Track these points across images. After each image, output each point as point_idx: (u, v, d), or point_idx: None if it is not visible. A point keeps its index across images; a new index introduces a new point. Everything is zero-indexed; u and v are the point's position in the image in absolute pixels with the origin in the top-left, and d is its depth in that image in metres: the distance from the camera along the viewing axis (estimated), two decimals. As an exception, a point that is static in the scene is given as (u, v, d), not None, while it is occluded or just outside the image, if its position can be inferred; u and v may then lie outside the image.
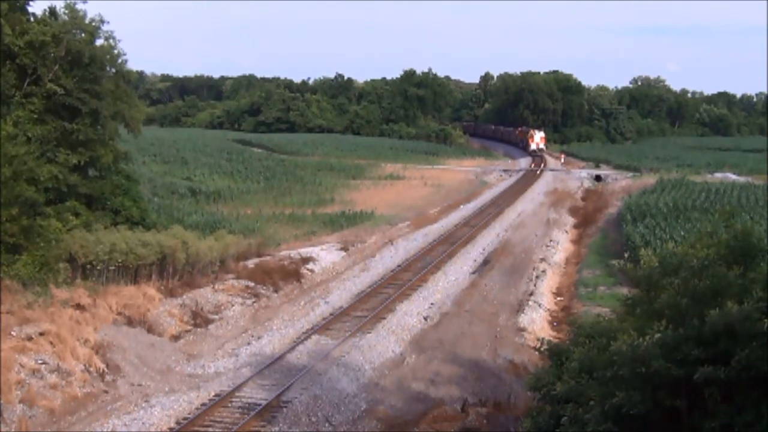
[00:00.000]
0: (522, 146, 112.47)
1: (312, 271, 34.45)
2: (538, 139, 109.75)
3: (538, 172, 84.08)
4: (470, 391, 20.93)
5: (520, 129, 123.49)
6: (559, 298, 32.55)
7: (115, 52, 31.17)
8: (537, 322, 27.99)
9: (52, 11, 29.96)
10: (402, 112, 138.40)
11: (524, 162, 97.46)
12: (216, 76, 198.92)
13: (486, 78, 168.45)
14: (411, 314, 27.93)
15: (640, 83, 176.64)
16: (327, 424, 18.78)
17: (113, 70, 31.43)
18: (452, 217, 50.98)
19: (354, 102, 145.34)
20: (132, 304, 25.49)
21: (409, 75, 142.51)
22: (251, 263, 33.16)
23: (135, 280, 27.90)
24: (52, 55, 28.79)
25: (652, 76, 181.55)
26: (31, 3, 30.33)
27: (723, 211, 13.34)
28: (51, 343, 20.62)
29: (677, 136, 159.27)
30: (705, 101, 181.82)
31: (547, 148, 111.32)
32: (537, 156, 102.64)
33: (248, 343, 24.43)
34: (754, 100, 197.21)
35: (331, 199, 59.77)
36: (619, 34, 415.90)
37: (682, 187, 61.86)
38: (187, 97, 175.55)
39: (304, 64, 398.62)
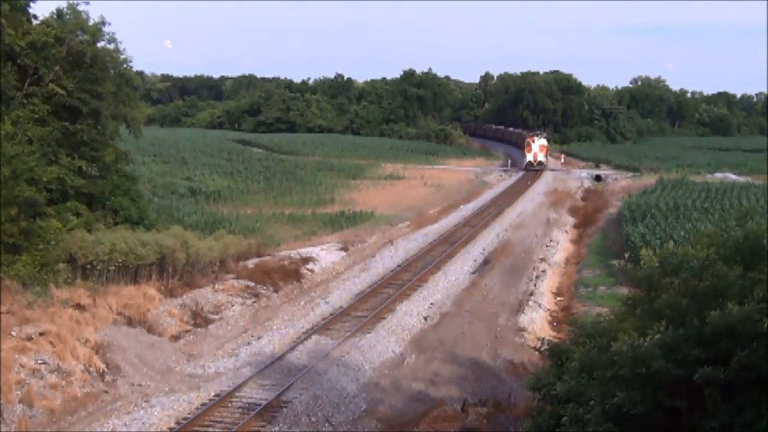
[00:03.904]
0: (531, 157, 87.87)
1: (312, 271, 34.45)
2: (536, 147, 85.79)
3: (529, 182, 75.70)
4: (470, 391, 20.93)
5: (528, 134, 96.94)
6: (559, 298, 32.55)
7: (122, 57, 31.29)
8: (537, 322, 28.00)
9: (60, 13, 29.91)
10: (402, 112, 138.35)
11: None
12: (216, 76, 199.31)
13: (486, 78, 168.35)
14: (411, 314, 27.92)
15: (640, 83, 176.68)
16: (327, 424, 18.77)
17: (115, 71, 31.39)
18: (452, 217, 50.98)
19: (354, 102, 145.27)
20: (132, 304, 25.48)
21: (409, 75, 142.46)
22: (251, 263, 33.17)
23: (135, 280, 27.89)
24: (54, 55, 28.78)
25: (652, 76, 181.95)
26: (32, 4, 30.35)
27: (738, 210, 13.33)
28: (51, 343, 20.61)
29: (677, 136, 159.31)
30: (705, 101, 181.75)
31: (547, 159, 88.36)
32: (533, 170, 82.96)
33: (248, 343, 24.43)
34: (754, 100, 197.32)
35: (331, 199, 59.79)
36: (619, 34, 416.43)
37: (682, 187, 61.89)
38: (187, 97, 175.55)
39: (304, 64, 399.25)
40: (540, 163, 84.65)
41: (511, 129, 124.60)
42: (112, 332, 22.98)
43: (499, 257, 38.40)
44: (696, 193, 57.43)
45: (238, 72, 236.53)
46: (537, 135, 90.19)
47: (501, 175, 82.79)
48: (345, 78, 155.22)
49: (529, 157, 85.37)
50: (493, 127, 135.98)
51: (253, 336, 25.29)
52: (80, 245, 26.89)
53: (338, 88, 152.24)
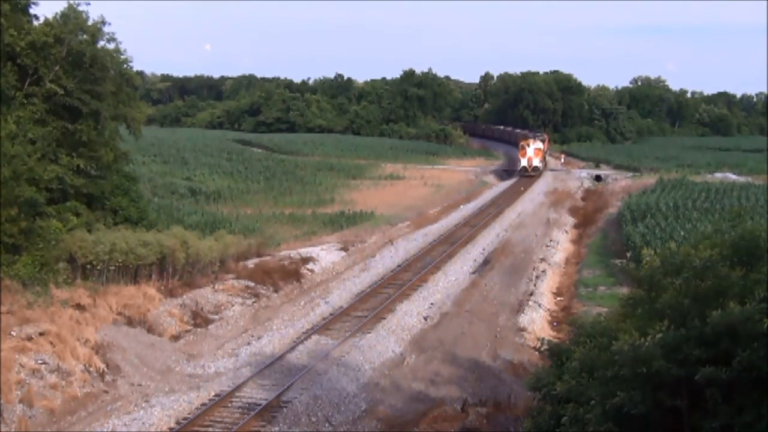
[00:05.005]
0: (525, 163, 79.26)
1: (312, 271, 34.44)
2: (531, 151, 78.50)
3: (529, 182, 72.74)
4: (470, 391, 20.92)
5: (522, 137, 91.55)
6: (559, 298, 32.54)
7: (122, 57, 31.31)
8: (537, 322, 27.99)
9: (64, 15, 29.87)
10: (402, 112, 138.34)
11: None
12: (216, 76, 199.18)
13: (486, 78, 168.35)
14: (411, 314, 27.91)
15: (640, 83, 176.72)
16: (327, 424, 18.77)
17: (114, 71, 31.38)
18: (452, 217, 50.96)
19: (354, 102, 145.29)
20: (132, 304, 25.48)
21: (409, 75, 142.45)
22: (251, 263, 33.16)
23: (135, 280, 27.89)
24: (53, 55, 28.77)
25: (652, 76, 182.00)
26: (32, 5, 30.33)
27: (732, 210, 13.34)
28: (51, 343, 20.61)
29: (677, 136, 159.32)
30: (705, 101, 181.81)
31: (545, 165, 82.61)
32: (528, 176, 75.98)
33: (248, 343, 24.42)
34: (754, 100, 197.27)
35: (331, 199, 59.79)
36: (619, 34, 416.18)
37: (682, 187, 61.90)
38: (187, 97, 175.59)
39: (304, 64, 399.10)
40: (535, 168, 78.24)
41: (516, 130, 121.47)
42: (112, 332, 22.98)
43: (499, 257, 38.39)
44: (696, 193, 57.43)
45: (238, 72, 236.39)
46: (533, 138, 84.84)
47: (501, 175, 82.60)
48: (345, 78, 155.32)
49: (524, 162, 78.38)
50: (501, 128, 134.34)
51: (253, 336, 25.28)
52: (80, 245, 26.89)
53: (338, 88, 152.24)
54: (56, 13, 30.00)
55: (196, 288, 28.86)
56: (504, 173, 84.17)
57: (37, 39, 28.36)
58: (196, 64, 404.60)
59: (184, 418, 18.50)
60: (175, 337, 24.86)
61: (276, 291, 30.96)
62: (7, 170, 24.23)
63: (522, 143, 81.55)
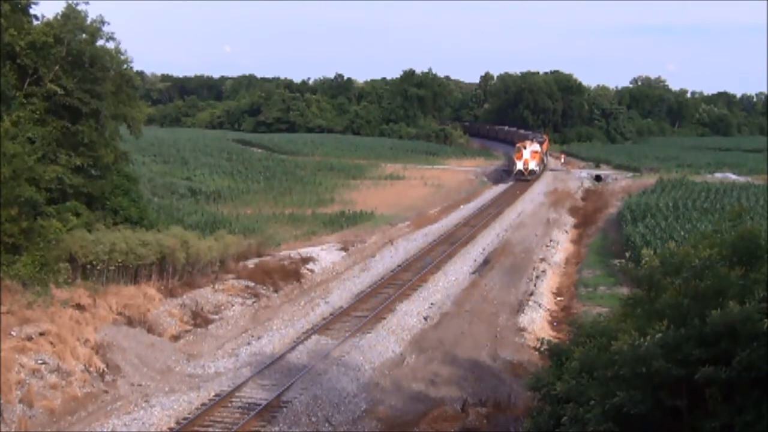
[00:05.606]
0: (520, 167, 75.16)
1: (312, 271, 34.44)
2: (528, 154, 74.70)
3: (529, 183, 71.15)
4: (470, 391, 20.93)
5: (518, 138, 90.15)
6: (559, 298, 32.55)
7: (122, 57, 31.35)
8: (537, 322, 28.00)
9: (64, 15, 29.86)
10: (402, 112, 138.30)
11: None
12: (216, 76, 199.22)
13: (486, 78, 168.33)
14: (411, 314, 27.92)
15: (640, 83, 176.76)
16: (327, 424, 18.77)
17: (114, 71, 31.38)
18: (452, 217, 50.97)
19: (354, 102, 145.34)
20: (132, 304, 25.48)
21: (409, 75, 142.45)
22: (251, 263, 33.16)
23: (135, 280, 27.90)
24: (53, 55, 28.78)
25: (652, 76, 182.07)
26: (32, 5, 30.32)
27: (731, 210, 13.33)
28: (51, 343, 20.61)
29: (677, 136, 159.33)
30: (705, 101, 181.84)
31: (544, 167, 79.95)
32: (524, 180, 72.47)
33: (248, 343, 24.43)
34: (754, 100, 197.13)
35: (331, 199, 59.79)
36: (619, 34, 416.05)
37: (682, 187, 61.91)
38: (187, 97, 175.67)
39: (304, 64, 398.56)
40: (531, 171, 74.39)
41: (519, 130, 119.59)
42: (112, 332, 22.98)
43: (499, 257, 38.40)
44: (696, 193, 57.46)
45: (238, 72, 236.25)
46: (530, 139, 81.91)
47: (501, 176, 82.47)
48: (345, 78, 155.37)
49: (519, 165, 74.59)
50: (502, 128, 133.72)
51: (253, 336, 25.28)
52: (80, 245, 26.90)
53: (338, 88, 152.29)
54: (57, 14, 30.05)
55: (196, 288, 28.87)
56: (504, 173, 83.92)
57: (37, 39, 28.36)
58: (197, 64, 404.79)
59: (184, 418, 18.50)
60: (175, 337, 24.87)
61: (276, 291, 30.97)
62: (7, 170, 24.22)
63: (518, 145, 78.57)
